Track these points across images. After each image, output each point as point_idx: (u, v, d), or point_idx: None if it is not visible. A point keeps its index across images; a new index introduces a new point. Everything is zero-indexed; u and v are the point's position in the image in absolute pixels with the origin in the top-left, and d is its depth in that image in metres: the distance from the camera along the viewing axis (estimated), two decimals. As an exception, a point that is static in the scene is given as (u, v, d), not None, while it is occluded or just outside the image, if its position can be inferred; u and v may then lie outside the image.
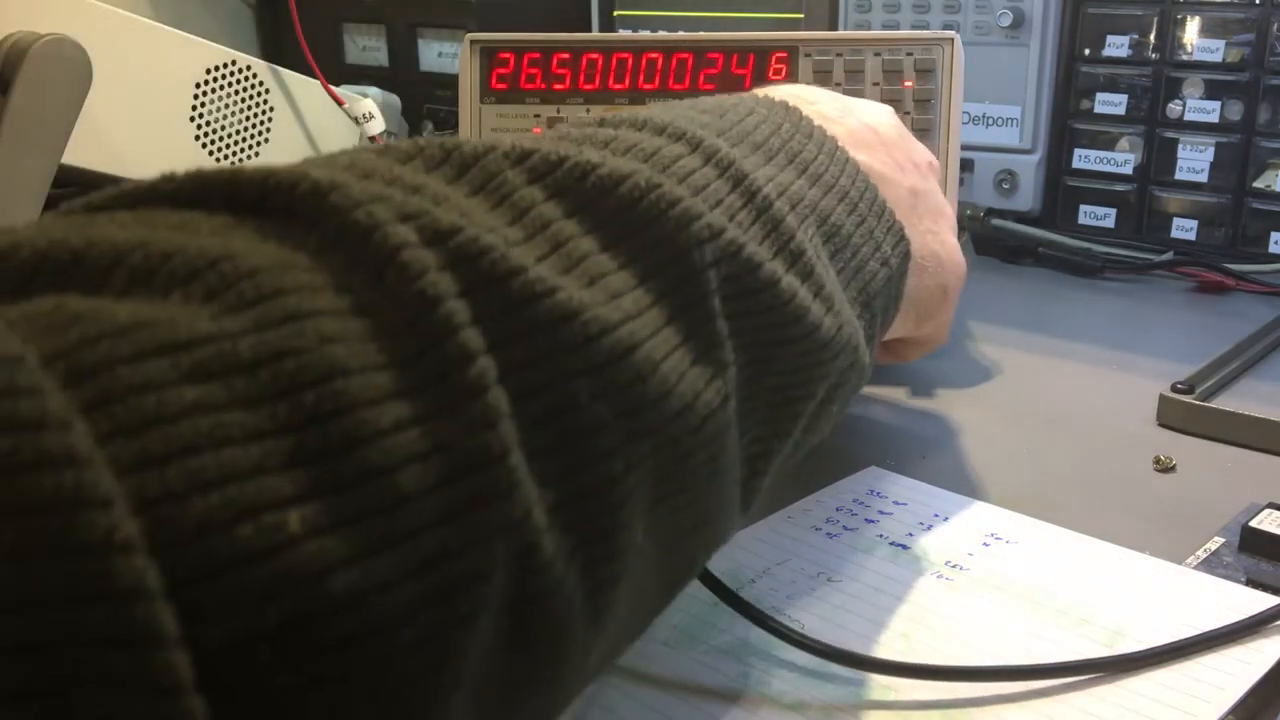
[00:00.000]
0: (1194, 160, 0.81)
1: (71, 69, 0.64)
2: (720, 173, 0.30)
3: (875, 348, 0.38)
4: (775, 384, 0.31)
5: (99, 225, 0.21)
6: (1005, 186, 0.88)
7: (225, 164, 0.77)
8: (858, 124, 0.42)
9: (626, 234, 0.27)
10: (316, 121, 0.84)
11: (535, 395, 0.23)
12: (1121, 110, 0.84)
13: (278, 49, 1.07)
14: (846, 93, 0.62)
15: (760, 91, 0.40)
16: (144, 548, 0.17)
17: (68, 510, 0.16)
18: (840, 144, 0.38)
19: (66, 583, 0.16)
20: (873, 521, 0.46)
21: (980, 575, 0.42)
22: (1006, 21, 0.84)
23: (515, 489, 0.22)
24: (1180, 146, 0.82)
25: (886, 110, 0.46)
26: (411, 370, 0.21)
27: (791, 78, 0.61)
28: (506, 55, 0.64)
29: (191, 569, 0.18)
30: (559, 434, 0.23)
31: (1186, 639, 0.37)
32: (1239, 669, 0.36)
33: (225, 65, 0.77)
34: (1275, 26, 0.77)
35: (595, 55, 0.63)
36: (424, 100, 1.00)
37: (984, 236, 0.85)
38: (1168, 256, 0.82)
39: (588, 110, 0.63)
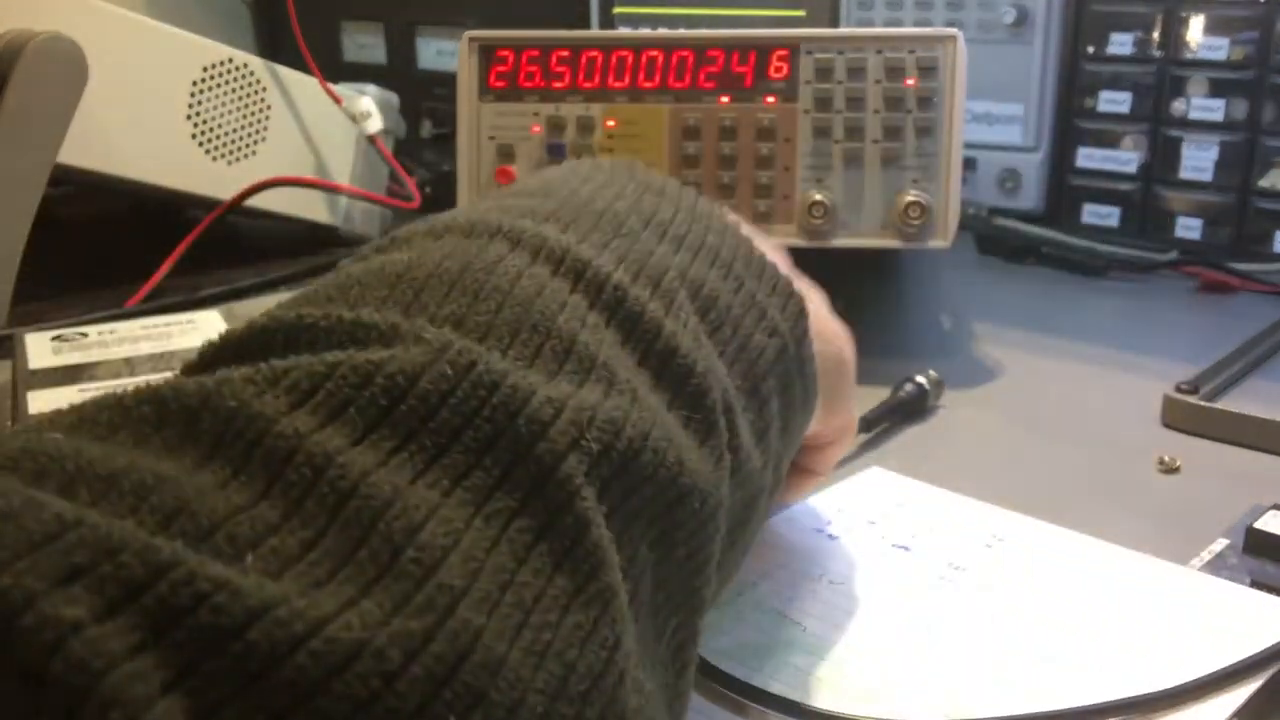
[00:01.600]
0: (1198, 159, 0.81)
1: (67, 67, 0.63)
2: (554, 268, 0.25)
3: (782, 437, 0.32)
4: (684, 554, 0.25)
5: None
6: (1008, 185, 0.87)
7: (222, 162, 0.77)
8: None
9: (445, 443, 0.20)
10: (314, 120, 0.83)
11: None
12: (1125, 108, 0.83)
13: (275, 47, 1.07)
14: (847, 91, 0.61)
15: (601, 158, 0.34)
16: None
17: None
18: (698, 195, 0.32)
19: None
20: (874, 523, 0.46)
21: (983, 577, 0.42)
22: (1010, 19, 0.83)
23: None
24: (1184, 145, 0.81)
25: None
26: None
27: (793, 75, 0.60)
28: (505, 53, 0.64)
29: None
30: None
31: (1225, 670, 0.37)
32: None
33: (222, 63, 0.76)
34: (1279, 25, 0.77)
35: (595, 53, 0.63)
36: (422, 98, 0.99)
37: (987, 236, 0.84)
38: (1172, 256, 0.81)
39: (587, 108, 0.63)
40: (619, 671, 0.21)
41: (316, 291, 0.24)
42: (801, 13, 0.87)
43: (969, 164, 0.86)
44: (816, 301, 0.36)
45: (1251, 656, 0.36)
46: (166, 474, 0.18)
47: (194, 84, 0.75)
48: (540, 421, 0.21)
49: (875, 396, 0.56)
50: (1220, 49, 0.79)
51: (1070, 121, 0.86)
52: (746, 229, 0.33)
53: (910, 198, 0.59)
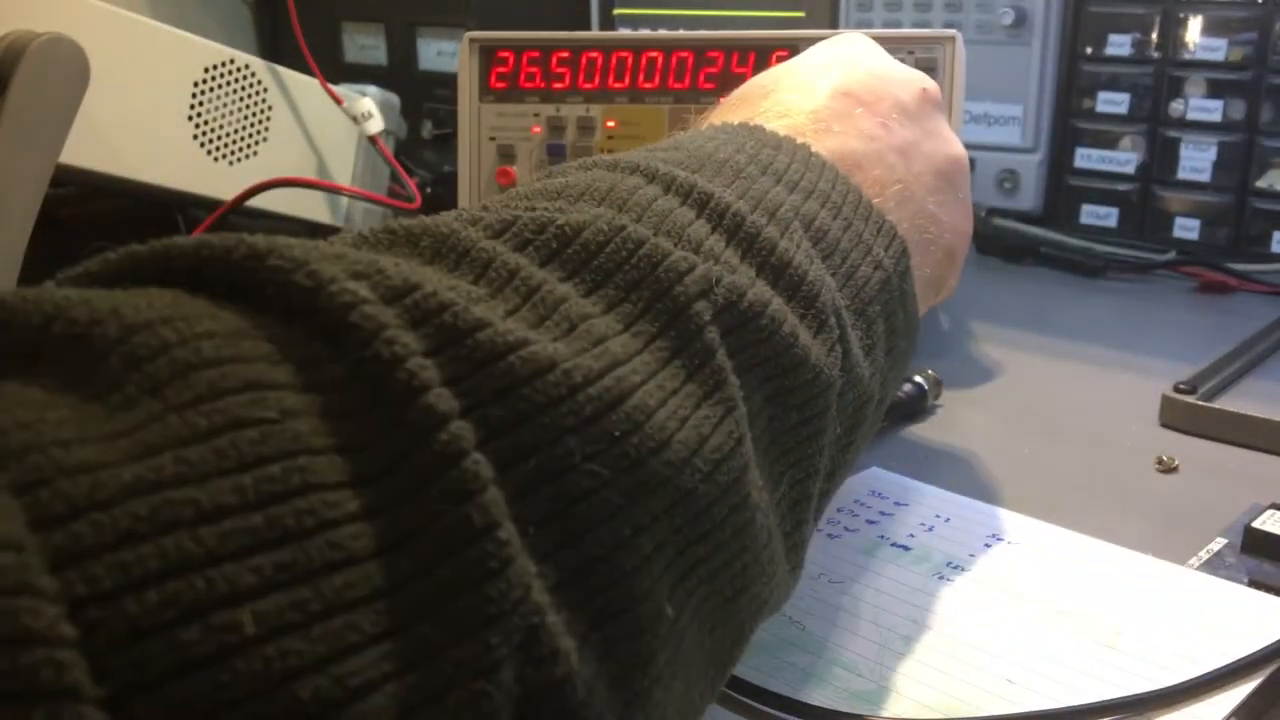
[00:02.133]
0: (1196, 159, 0.81)
1: (69, 68, 0.63)
2: (683, 199, 0.29)
3: (888, 359, 0.35)
4: (797, 419, 0.29)
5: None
6: (1007, 186, 0.87)
7: (224, 163, 0.77)
8: (826, 96, 0.38)
9: (600, 280, 0.25)
10: (315, 120, 0.83)
11: (520, 461, 0.21)
12: (1124, 109, 0.84)
13: (276, 48, 1.07)
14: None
15: (719, 119, 0.37)
16: (76, 650, 0.15)
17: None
18: (814, 148, 0.35)
19: None
20: (874, 523, 0.46)
21: (982, 576, 0.42)
22: (1008, 20, 0.84)
23: (507, 566, 0.19)
24: (1183, 146, 0.82)
25: (855, 52, 0.41)
26: (376, 449, 0.19)
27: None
28: (506, 54, 0.64)
29: (128, 681, 0.15)
30: (552, 501, 0.21)
31: (1223, 668, 0.37)
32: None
33: (223, 64, 0.77)
34: (1278, 25, 0.77)
35: (595, 54, 0.63)
36: (423, 99, 0.99)
37: (986, 236, 0.85)
38: (1170, 256, 0.82)
39: (587, 109, 0.63)
40: (744, 459, 0.26)
41: (492, 200, 0.29)
42: (801, 14, 0.87)
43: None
44: (945, 182, 0.40)
45: (1249, 655, 0.36)
46: (403, 263, 0.23)
47: (195, 85, 0.75)
48: (677, 271, 0.26)
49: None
50: (1218, 50, 0.79)
51: (1068, 122, 0.86)
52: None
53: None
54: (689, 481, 0.24)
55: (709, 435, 0.25)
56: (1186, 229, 0.82)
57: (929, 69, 0.59)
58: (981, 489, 0.49)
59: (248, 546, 0.17)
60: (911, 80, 0.41)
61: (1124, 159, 0.84)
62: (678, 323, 0.25)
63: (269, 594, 0.17)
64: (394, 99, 0.90)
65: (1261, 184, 0.79)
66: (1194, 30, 0.80)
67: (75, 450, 0.16)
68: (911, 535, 0.45)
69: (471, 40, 0.64)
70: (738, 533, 0.26)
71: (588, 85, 0.63)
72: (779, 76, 0.39)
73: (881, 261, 0.34)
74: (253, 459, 0.17)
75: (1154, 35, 0.82)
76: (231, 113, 0.78)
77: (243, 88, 0.78)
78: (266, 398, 0.18)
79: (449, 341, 0.21)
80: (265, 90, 0.80)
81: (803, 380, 0.29)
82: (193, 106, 0.75)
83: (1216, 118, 0.80)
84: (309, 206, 0.84)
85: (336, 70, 0.99)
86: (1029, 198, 0.87)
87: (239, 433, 0.17)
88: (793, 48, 0.61)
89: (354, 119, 0.84)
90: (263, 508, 0.17)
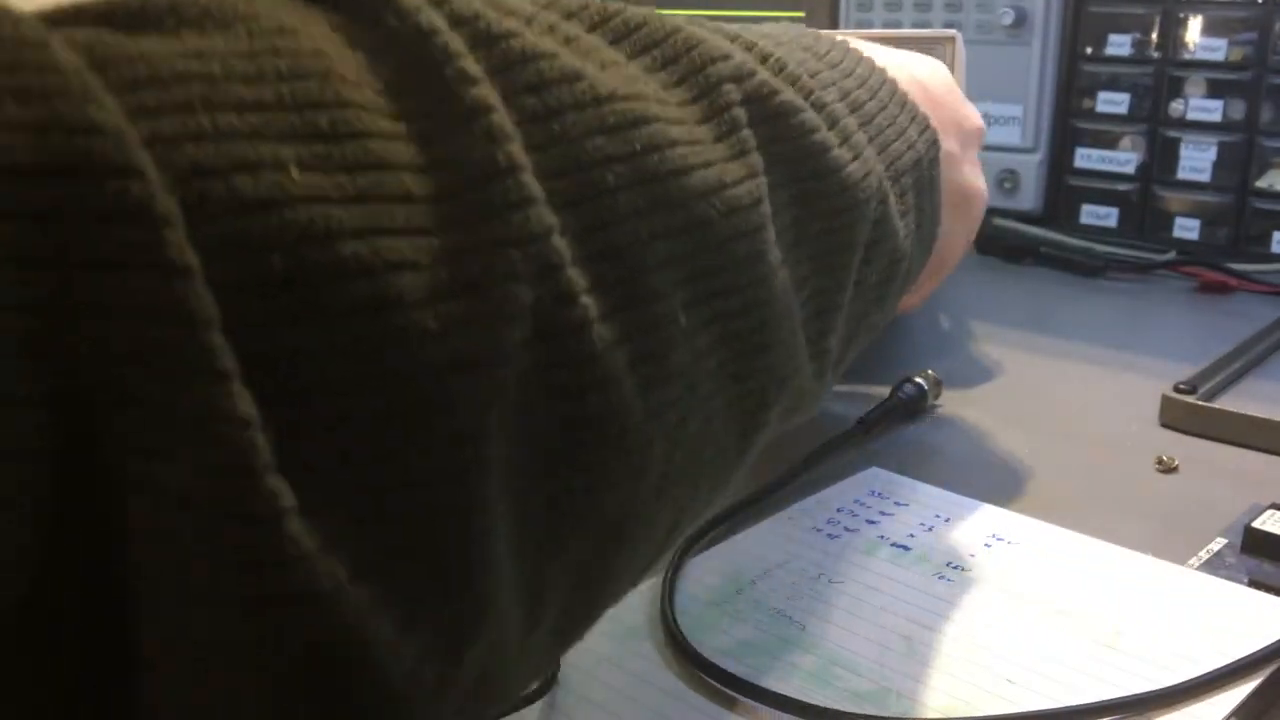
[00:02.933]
0: (1196, 160, 0.81)
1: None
2: (730, 39, 0.29)
3: (915, 235, 0.36)
4: (821, 227, 0.30)
5: None
6: (1007, 186, 0.87)
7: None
8: (906, 75, 0.39)
9: (638, 51, 0.26)
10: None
11: (549, 145, 0.22)
12: (1124, 109, 0.84)
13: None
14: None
15: None
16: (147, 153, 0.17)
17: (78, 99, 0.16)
18: (859, 51, 0.36)
19: (61, 152, 0.16)
20: (874, 522, 0.46)
21: (982, 576, 0.42)
22: (1008, 20, 0.84)
23: (530, 204, 0.21)
24: (1182, 146, 0.82)
25: (933, 65, 0.43)
26: (411, 95, 0.20)
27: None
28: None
29: (192, 208, 0.17)
30: (576, 189, 0.22)
31: (1222, 669, 0.37)
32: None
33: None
34: (1278, 25, 0.77)
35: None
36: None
37: (985, 236, 0.84)
38: (1170, 256, 0.82)
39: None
40: (762, 218, 0.26)
41: None
42: (801, 14, 0.87)
43: (968, 164, 0.86)
44: (962, 165, 0.42)
45: (1249, 656, 0.36)
46: None
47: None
48: (711, 56, 0.27)
49: (874, 397, 0.57)
50: (1218, 50, 0.79)
51: (1068, 122, 0.86)
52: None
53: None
54: (704, 211, 0.25)
55: (729, 184, 0.25)
56: (1186, 229, 0.83)
57: (929, 69, 0.59)
58: (982, 489, 0.49)
59: (287, 134, 0.18)
60: (971, 113, 0.44)
61: (1124, 159, 0.84)
62: (709, 95, 0.26)
63: (309, 172, 0.18)
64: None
65: (1261, 184, 0.79)
66: (1194, 30, 0.80)
67: (128, 45, 0.18)
68: (911, 535, 0.45)
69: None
70: (755, 284, 0.26)
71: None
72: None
73: (914, 143, 0.35)
74: (290, 74, 0.19)
75: (1154, 35, 0.82)
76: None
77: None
78: (301, 36, 0.20)
79: (481, 43, 0.22)
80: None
81: (832, 188, 0.30)
82: (193, 106, 0.75)
83: (1216, 118, 0.80)
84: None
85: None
86: (1029, 198, 0.87)
87: (277, 57, 0.19)
88: (793, 48, 0.61)
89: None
90: (299, 110, 0.19)
